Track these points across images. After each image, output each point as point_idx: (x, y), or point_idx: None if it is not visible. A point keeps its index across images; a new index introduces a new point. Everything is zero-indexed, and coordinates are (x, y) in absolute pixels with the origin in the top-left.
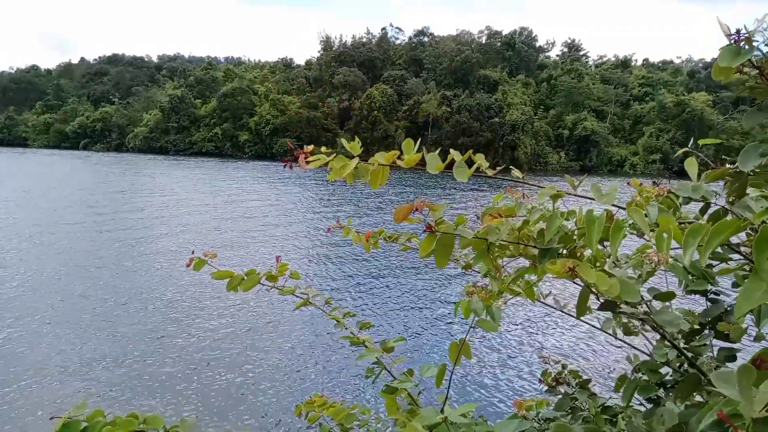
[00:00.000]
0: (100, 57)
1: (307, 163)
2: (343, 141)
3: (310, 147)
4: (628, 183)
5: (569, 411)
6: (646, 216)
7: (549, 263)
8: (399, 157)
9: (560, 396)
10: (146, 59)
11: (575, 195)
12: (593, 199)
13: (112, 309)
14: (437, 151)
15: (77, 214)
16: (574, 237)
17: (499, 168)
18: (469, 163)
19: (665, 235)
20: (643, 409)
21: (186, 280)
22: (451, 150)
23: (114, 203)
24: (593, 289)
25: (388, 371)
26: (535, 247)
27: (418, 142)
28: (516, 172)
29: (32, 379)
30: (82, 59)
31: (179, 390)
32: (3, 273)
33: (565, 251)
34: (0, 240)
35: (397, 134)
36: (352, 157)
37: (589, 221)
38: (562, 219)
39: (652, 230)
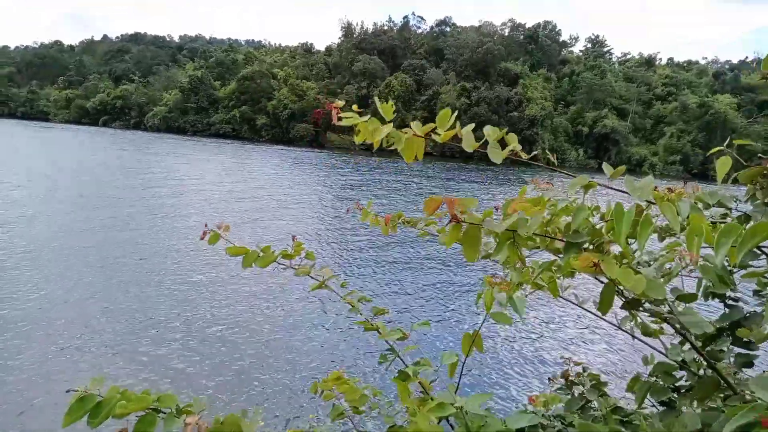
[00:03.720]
0: (122, 35)
1: (339, 119)
2: (377, 100)
3: (341, 102)
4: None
5: (579, 410)
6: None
7: (573, 258)
8: (434, 131)
9: (572, 394)
10: (168, 39)
11: (607, 187)
12: (624, 192)
13: (130, 282)
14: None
15: (109, 190)
16: (602, 231)
17: (534, 153)
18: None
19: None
20: (655, 411)
21: (201, 260)
22: (485, 129)
23: (136, 181)
24: (618, 286)
25: (401, 358)
26: (561, 240)
27: None
28: (550, 158)
29: (49, 354)
30: (105, 36)
31: (190, 373)
32: (40, 244)
33: (591, 246)
34: (35, 214)
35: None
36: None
37: (617, 214)
38: (589, 211)
39: (682, 229)
